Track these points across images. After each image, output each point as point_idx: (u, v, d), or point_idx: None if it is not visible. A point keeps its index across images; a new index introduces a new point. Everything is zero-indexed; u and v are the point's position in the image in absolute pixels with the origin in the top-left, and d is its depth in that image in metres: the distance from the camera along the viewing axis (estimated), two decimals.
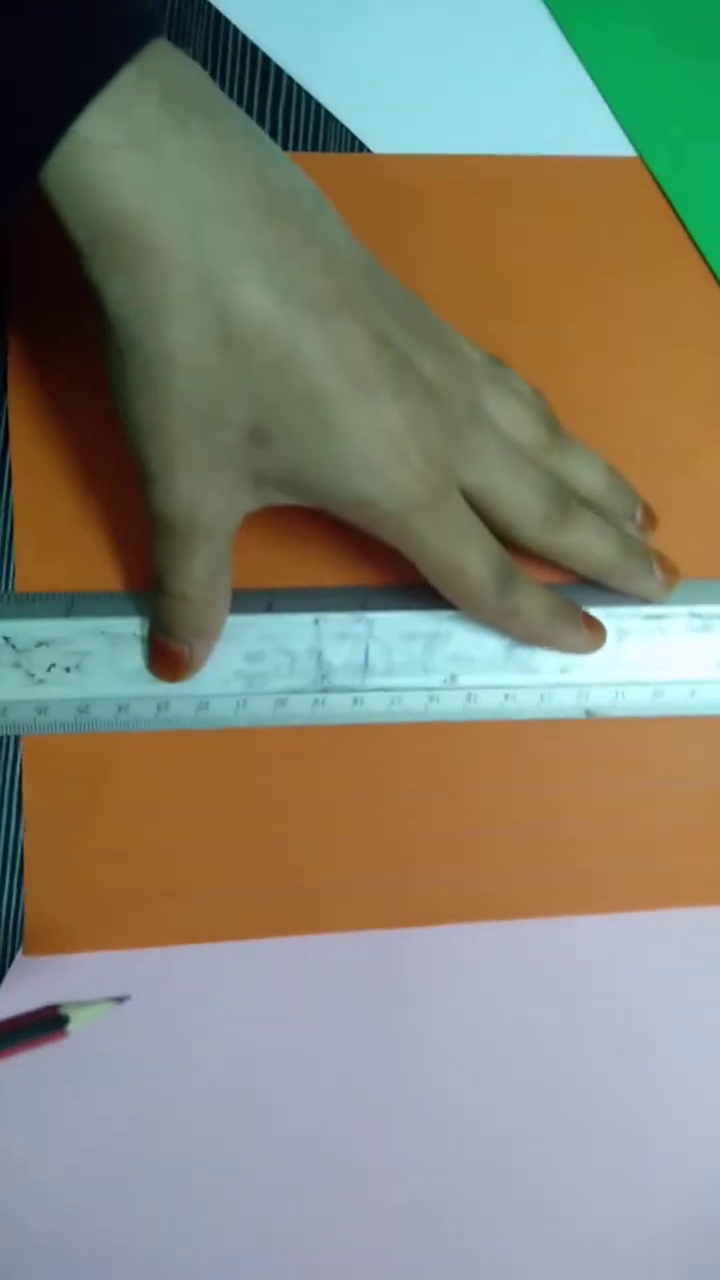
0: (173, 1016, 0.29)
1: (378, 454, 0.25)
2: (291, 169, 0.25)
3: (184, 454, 0.25)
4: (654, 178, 0.35)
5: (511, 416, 0.28)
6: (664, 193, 0.35)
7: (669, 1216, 0.30)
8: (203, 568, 0.27)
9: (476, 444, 0.27)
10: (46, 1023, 0.26)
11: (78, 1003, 0.27)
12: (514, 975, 0.30)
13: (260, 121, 0.33)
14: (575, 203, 0.35)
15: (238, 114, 0.24)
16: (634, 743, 0.31)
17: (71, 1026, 0.26)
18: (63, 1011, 0.26)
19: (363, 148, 0.34)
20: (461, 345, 0.28)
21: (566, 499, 0.29)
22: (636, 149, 0.35)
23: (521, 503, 0.28)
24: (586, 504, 0.30)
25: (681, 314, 0.35)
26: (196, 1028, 0.29)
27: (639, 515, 0.31)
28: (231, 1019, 0.29)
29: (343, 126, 0.34)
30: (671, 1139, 0.30)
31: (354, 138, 0.34)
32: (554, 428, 0.30)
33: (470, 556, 0.27)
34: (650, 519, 0.32)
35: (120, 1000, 0.27)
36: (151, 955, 0.29)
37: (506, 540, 0.28)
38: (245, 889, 0.30)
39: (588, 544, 0.29)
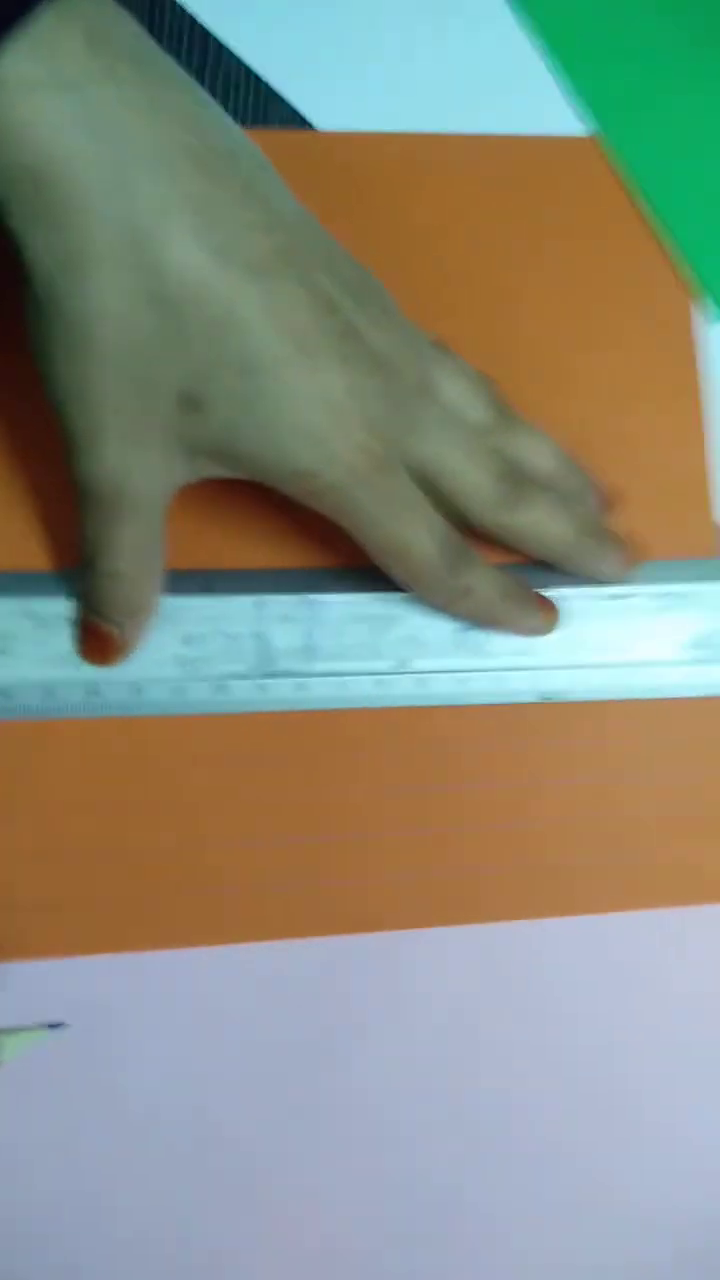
0: (107, 1034, 0.27)
1: (317, 423, 0.24)
2: (229, 124, 0.24)
3: (111, 420, 0.23)
4: (612, 158, 0.35)
5: (459, 395, 0.27)
6: (623, 173, 0.34)
7: (651, 1227, 0.28)
8: (133, 541, 0.25)
9: (424, 418, 0.26)
10: None
11: (7, 1029, 0.24)
12: (474, 983, 0.29)
13: None
14: (529, 183, 0.34)
15: (170, 64, 0.23)
16: (598, 730, 0.30)
17: (2, 1057, 0.24)
18: None
19: (306, 124, 0.33)
20: (408, 323, 0.27)
21: (519, 478, 0.27)
22: (594, 128, 0.35)
23: (471, 481, 0.27)
24: (539, 486, 0.28)
25: (639, 296, 0.34)
26: (132, 1046, 0.27)
27: (594, 498, 0.30)
28: (169, 1035, 0.27)
29: (285, 102, 0.33)
30: (653, 1146, 0.28)
31: (297, 113, 0.33)
32: (502, 409, 0.28)
33: (417, 533, 0.26)
34: (608, 500, 0.30)
35: (55, 1027, 0.25)
36: (79, 965, 0.27)
37: (455, 522, 0.27)
38: (183, 892, 0.28)
39: (541, 524, 0.28)
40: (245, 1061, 0.27)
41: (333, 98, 0.34)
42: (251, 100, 0.33)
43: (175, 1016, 0.27)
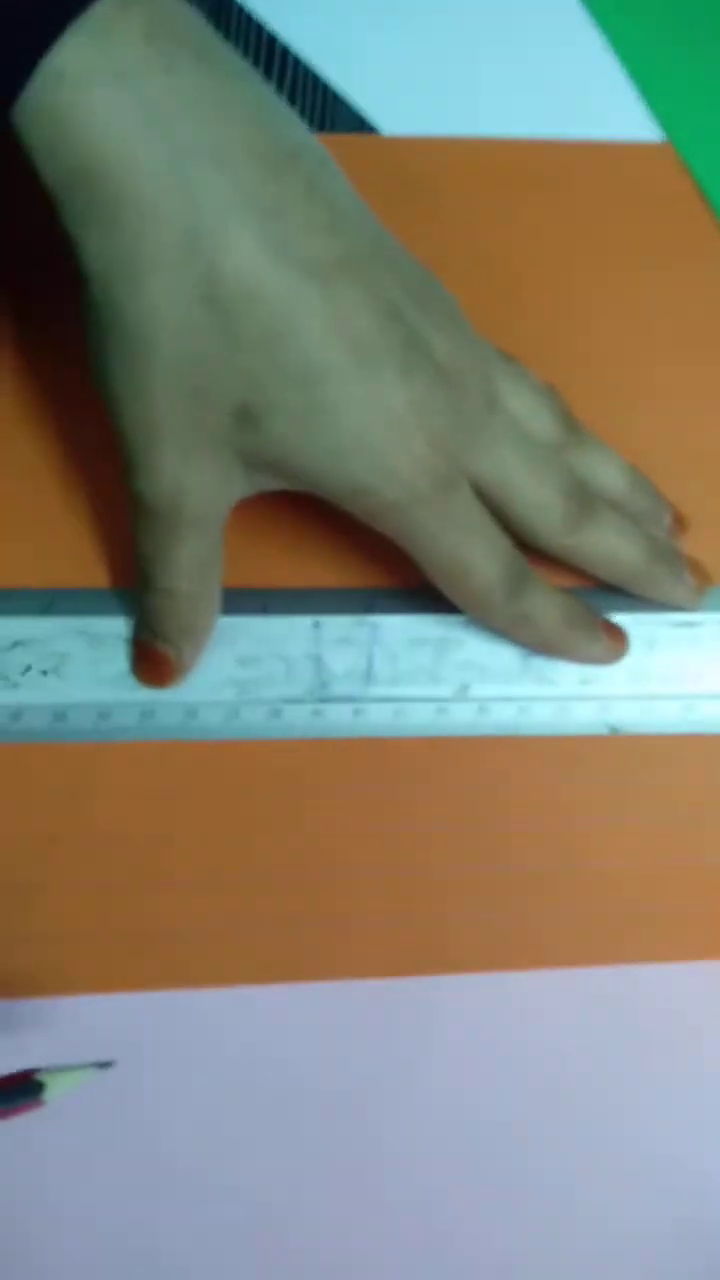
0: (155, 1073, 0.26)
1: (379, 438, 0.23)
2: (292, 119, 0.23)
3: (168, 429, 0.22)
4: (685, 164, 0.33)
5: (526, 408, 0.26)
6: (695, 180, 0.33)
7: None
8: (191, 558, 0.25)
9: (490, 433, 0.25)
10: (19, 1090, 0.23)
11: (57, 1067, 0.23)
12: (526, 1031, 0.27)
13: None
14: (599, 190, 0.33)
15: (233, 56, 0.22)
16: (667, 766, 0.29)
17: (48, 1095, 0.23)
18: (39, 1077, 0.23)
19: (371, 129, 0.33)
20: (474, 332, 0.26)
21: (588, 497, 0.26)
22: (666, 134, 0.34)
23: (538, 499, 0.25)
24: (608, 505, 0.27)
25: (712, 309, 0.32)
26: (182, 1085, 0.26)
27: (666, 519, 0.29)
28: (217, 1075, 0.27)
29: (350, 107, 0.32)
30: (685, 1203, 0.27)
31: (361, 118, 0.32)
32: (571, 423, 0.27)
33: (478, 555, 0.25)
34: (679, 523, 0.29)
35: (104, 1066, 0.24)
36: (132, 1001, 0.27)
37: (520, 543, 0.26)
38: (234, 926, 0.27)
39: (611, 546, 0.27)
40: (290, 1103, 0.27)
41: (398, 101, 0.33)
42: (315, 104, 0.32)
43: (222, 1055, 0.27)
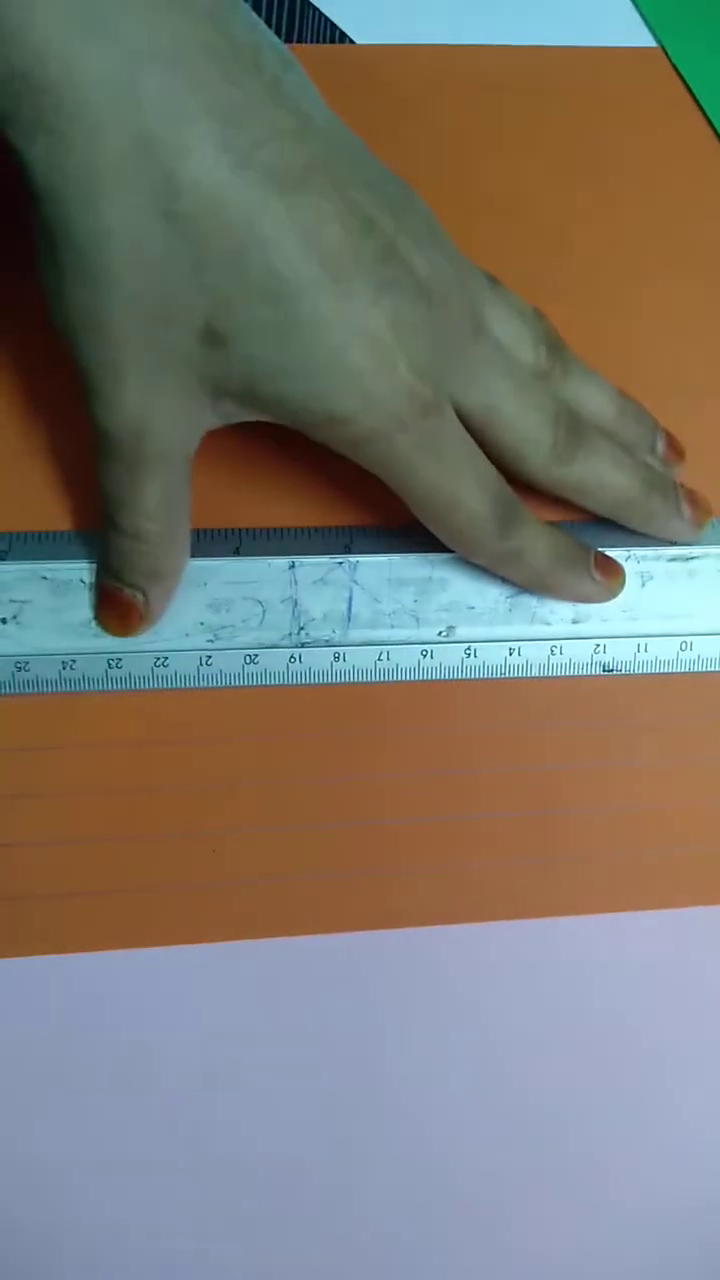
0: (139, 1031, 0.25)
1: (356, 359, 0.21)
2: (253, 18, 0.21)
3: (129, 357, 0.21)
4: (675, 69, 0.31)
5: (512, 332, 0.25)
6: (686, 85, 0.31)
7: (670, 1230, 0.26)
8: (156, 497, 0.23)
9: (475, 358, 0.23)
10: None
11: None
12: (516, 985, 0.26)
13: None
14: (587, 97, 0.31)
15: None
16: (663, 706, 0.27)
17: None
18: None
19: (344, 38, 0.30)
20: (455, 248, 0.24)
21: (579, 425, 0.25)
22: (657, 38, 0.31)
23: (527, 429, 0.24)
24: (601, 434, 0.26)
25: (706, 221, 0.31)
26: (166, 1043, 0.25)
27: (660, 445, 0.27)
28: (201, 1032, 0.25)
29: (321, 14, 0.30)
30: (675, 1155, 0.26)
31: (334, 27, 0.30)
32: (557, 349, 0.26)
33: (464, 488, 0.23)
34: (675, 450, 0.28)
35: None
36: (111, 959, 0.25)
37: (508, 474, 0.24)
38: (213, 881, 0.26)
39: (605, 477, 0.25)
40: (282, 1060, 0.26)
41: (372, 8, 0.31)
42: (284, 12, 0.30)
43: (207, 1012, 0.25)
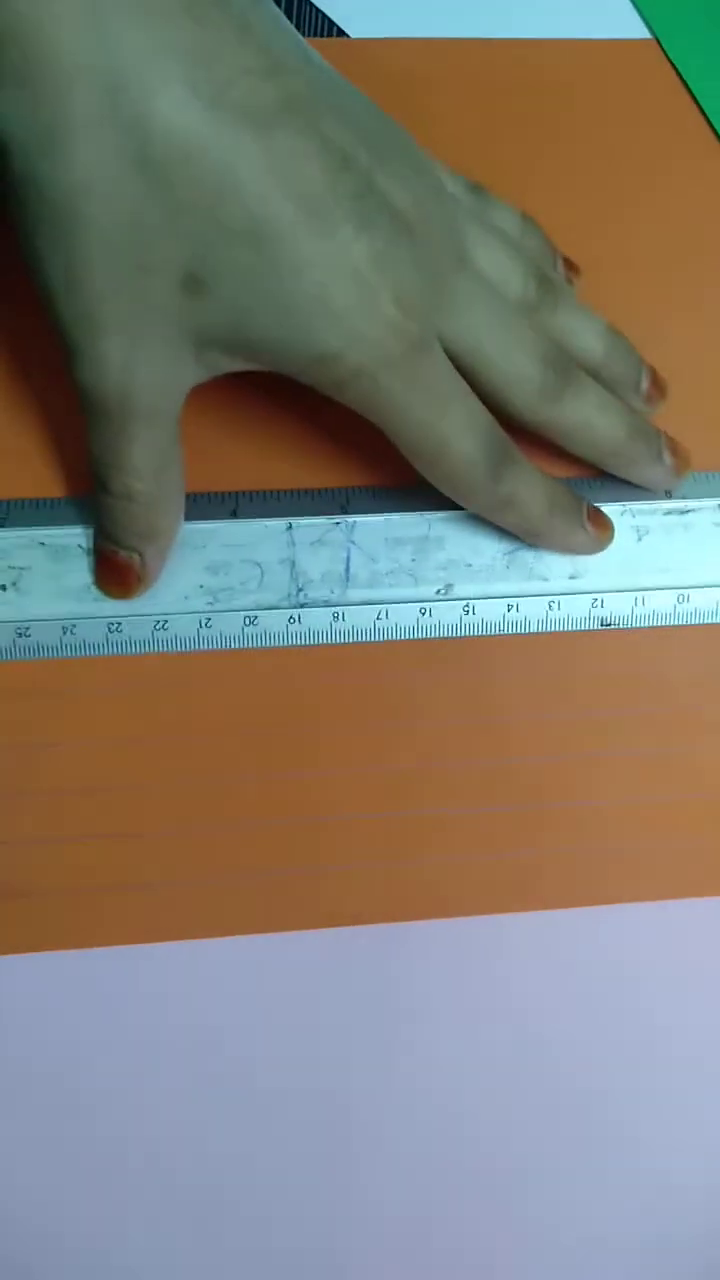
0: (121, 1028, 0.25)
1: (340, 298, 0.21)
2: None
3: (108, 312, 0.21)
4: (671, 63, 0.31)
5: (499, 264, 0.24)
6: (683, 79, 0.31)
7: (678, 1219, 0.26)
8: (146, 456, 0.23)
9: (459, 293, 0.23)
10: None
11: None
12: (517, 977, 0.26)
13: None
14: (580, 91, 0.31)
15: None
16: (661, 659, 0.27)
17: None
18: None
19: (339, 32, 0.30)
20: (439, 172, 0.24)
21: (567, 365, 0.25)
22: (652, 31, 0.31)
23: (514, 368, 0.24)
24: (588, 375, 0.25)
25: (702, 214, 0.31)
26: (150, 1042, 0.25)
27: (645, 384, 0.27)
28: (187, 1027, 0.26)
29: (315, 7, 0.30)
30: (685, 1144, 0.26)
31: (328, 20, 0.30)
32: (545, 279, 0.25)
33: (455, 426, 0.23)
34: (658, 387, 0.27)
35: None
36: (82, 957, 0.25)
37: (493, 414, 0.24)
38: (214, 875, 0.26)
39: (590, 419, 0.25)
40: (264, 1059, 0.26)
41: (366, 1, 0.31)
42: (278, 6, 0.30)
43: (196, 1009, 0.26)
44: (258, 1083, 0.25)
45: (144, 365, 0.21)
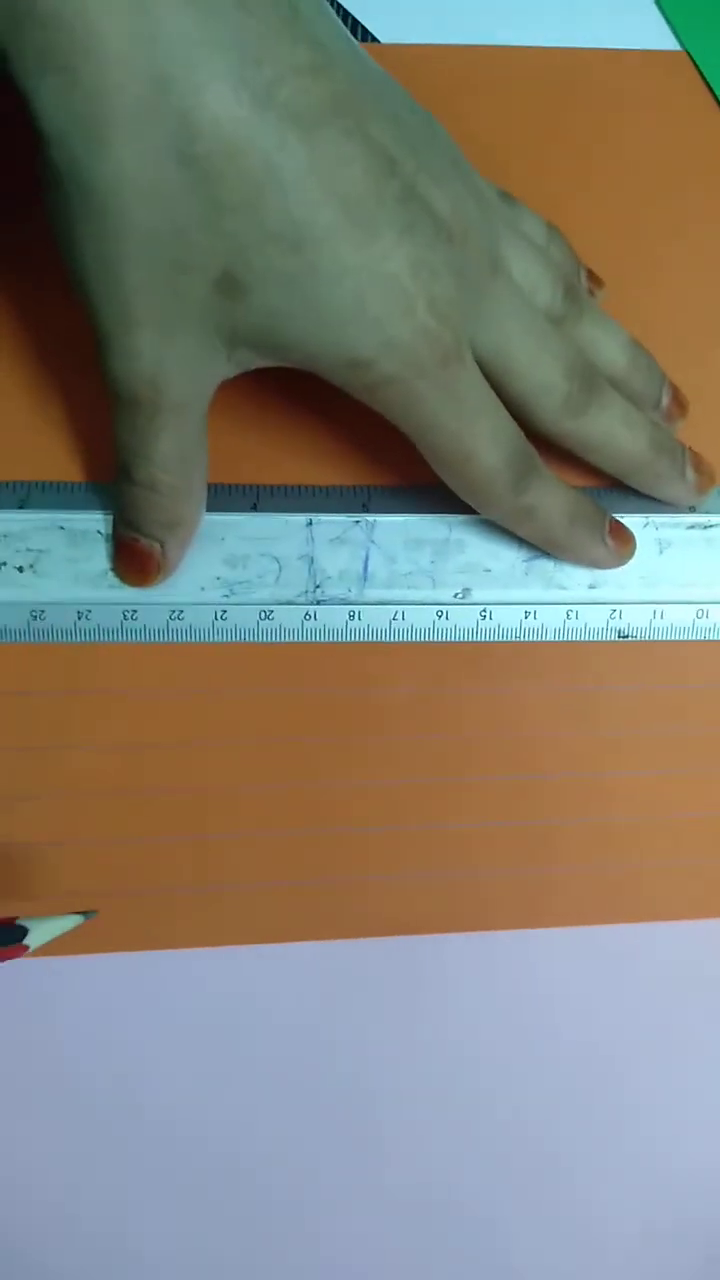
0: (141, 1037, 0.25)
1: (376, 304, 0.21)
2: None
3: (144, 306, 0.21)
4: (701, 74, 0.31)
5: (530, 273, 0.24)
6: (712, 91, 0.31)
7: (681, 1212, 0.26)
8: (172, 448, 0.23)
9: (494, 300, 0.23)
10: (2, 935, 0.21)
11: (40, 918, 0.22)
12: (515, 995, 0.26)
13: None
14: (610, 100, 0.31)
15: None
16: (678, 673, 0.27)
17: (31, 941, 0.22)
18: (21, 922, 0.22)
19: (369, 37, 0.30)
20: (476, 178, 0.24)
21: (593, 377, 0.24)
22: (681, 42, 0.31)
23: (542, 378, 0.24)
24: (613, 389, 0.25)
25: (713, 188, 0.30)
26: (169, 1051, 0.25)
27: (666, 400, 0.27)
28: (202, 1037, 0.26)
29: (347, 13, 0.30)
30: (690, 1137, 0.26)
31: (360, 26, 0.30)
32: (572, 290, 0.25)
33: (482, 438, 0.23)
34: (679, 403, 0.27)
35: (87, 915, 0.22)
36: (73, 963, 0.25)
37: (518, 423, 0.24)
38: (216, 883, 0.26)
39: (614, 434, 0.25)
40: (283, 1071, 0.26)
41: (397, 8, 0.30)
42: None
43: (195, 1018, 0.25)
44: (271, 1088, 0.25)
45: (175, 360, 0.21)
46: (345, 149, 0.20)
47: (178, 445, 0.23)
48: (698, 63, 0.31)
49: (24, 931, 0.21)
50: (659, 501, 0.27)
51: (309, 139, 0.19)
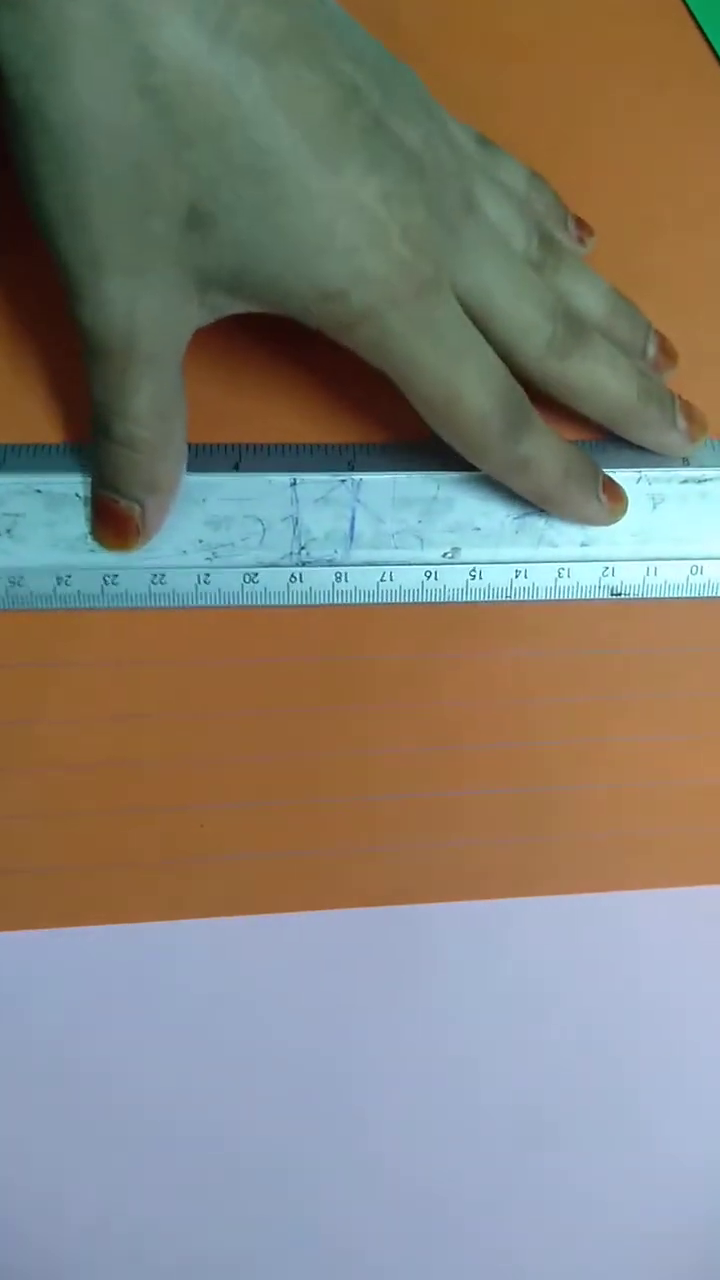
0: (119, 1010, 0.25)
1: (347, 233, 0.20)
2: None
3: (111, 249, 0.20)
4: (696, 22, 0.30)
5: (503, 218, 0.24)
6: (706, 39, 0.30)
7: (685, 1206, 0.25)
8: (149, 402, 0.22)
9: (470, 238, 0.22)
10: None
11: None
12: (512, 963, 0.26)
13: None
14: (596, 41, 0.30)
15: None
16: (670, 632, 0.27)
17: None
18: None
19: None
20: (450, 121, 0.23)
21: (577, 321, 0.24)
22: None
23: (525, 319, 0.23)
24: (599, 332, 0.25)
25: (707, 140, 0.30)
26: (148, 1026, 0.25)
27: (652, 349, 0.26)
28: (183, 1012, 0.25)
29: None
30: (691, 1129, 0.26)
31: None
32: (549, 238, 0.25)
33: (469, 378, 0.22)
34: (667, 354, 0.27)
35: None
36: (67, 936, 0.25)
37: None
38: (206, 853, 0.25)
39: (600, 379, 0.24)
40: (268, 1045, 0.25)
41: None
42: None
43: (189, 990, 0.25)
44: (263, 1060, 0.25)
45: (146, 306, 0.21)
46: (307, 78, 0.19)
47: (155, 399, 0.22)
48: (692, 10, 0.30)
49: None
50: (651, 453, 0.26)
51: (268, 67, 0.19)
